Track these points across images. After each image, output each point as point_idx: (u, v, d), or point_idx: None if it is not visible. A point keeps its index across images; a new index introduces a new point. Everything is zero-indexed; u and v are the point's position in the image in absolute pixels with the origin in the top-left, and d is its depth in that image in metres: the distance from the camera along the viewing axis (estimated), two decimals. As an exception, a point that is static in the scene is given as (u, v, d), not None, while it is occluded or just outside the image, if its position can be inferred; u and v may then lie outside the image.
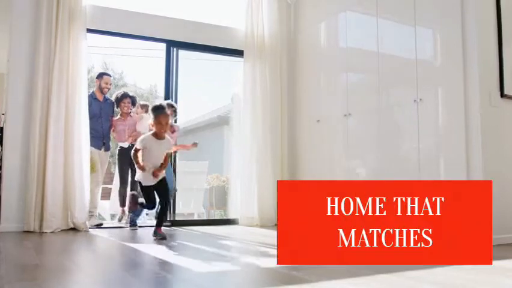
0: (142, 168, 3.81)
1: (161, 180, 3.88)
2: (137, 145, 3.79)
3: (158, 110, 3.79)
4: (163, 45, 5.22)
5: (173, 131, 5.30)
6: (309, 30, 5.51)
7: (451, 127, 3.72)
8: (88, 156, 4.58)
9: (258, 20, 5.49)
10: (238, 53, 5.47)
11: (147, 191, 3.86)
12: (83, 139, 4.51)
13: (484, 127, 3.53)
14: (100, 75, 5.19)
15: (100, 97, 5.11)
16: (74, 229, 4.38)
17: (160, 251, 3.34)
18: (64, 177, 4.38)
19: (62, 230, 4.31)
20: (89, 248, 3.55)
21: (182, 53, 5.38)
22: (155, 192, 3.90)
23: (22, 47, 4.41)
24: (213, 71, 9.59)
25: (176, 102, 5.28)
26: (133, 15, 5.11)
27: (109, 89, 5.19)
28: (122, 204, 5.26)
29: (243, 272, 2.50)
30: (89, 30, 4.68)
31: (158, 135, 3.80)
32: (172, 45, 5.22)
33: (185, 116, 12.28)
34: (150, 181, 3.82)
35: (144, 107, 5.49)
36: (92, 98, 4.96)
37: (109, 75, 5.29)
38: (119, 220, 5.26)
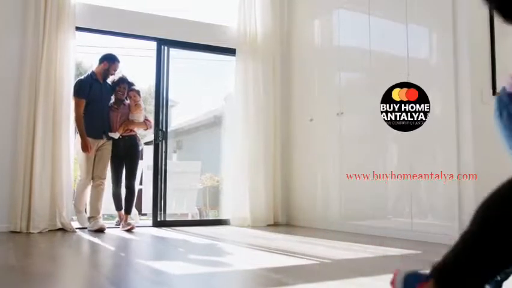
0: None
1: None
2: None
3: None
4: (154, 44, 5.15)
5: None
6: (303, 28, 5.45)
7: (442, 124, 3.67)
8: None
9: (251, 17, 5.41)
10: (231, 51, 5.40)
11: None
12: (71, 138, 4.46)
13: (476, 124, 3.48)
14: (112, 60, 4.73)
15: (101, 79, 4.71)
16: (62, 229, 4.31)
17: (143, 254, 3.29)
18: (52, 176, 4.31)
19: (50, 231, 4.24)
20: (72, 251, 3.48)
21: (179, 53, 5.28)
22: None
23: (9, 45, 4.36)
24: (208, 70, 9.52)
25: (167, 101, 5.22)
26: (123, 13, 5.04)
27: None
28: (118, 208, 4.93)
29: (222, 274, 2.44)
30: (79, 29, 4.63)
31: None
32: (163, 43, 5.15)
33: (183, 116, 12.24)
34: None
35: (139, 94, 5.10)
36: (92, 78, 4.60)
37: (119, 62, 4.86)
38: (117, 224, 4.85)
